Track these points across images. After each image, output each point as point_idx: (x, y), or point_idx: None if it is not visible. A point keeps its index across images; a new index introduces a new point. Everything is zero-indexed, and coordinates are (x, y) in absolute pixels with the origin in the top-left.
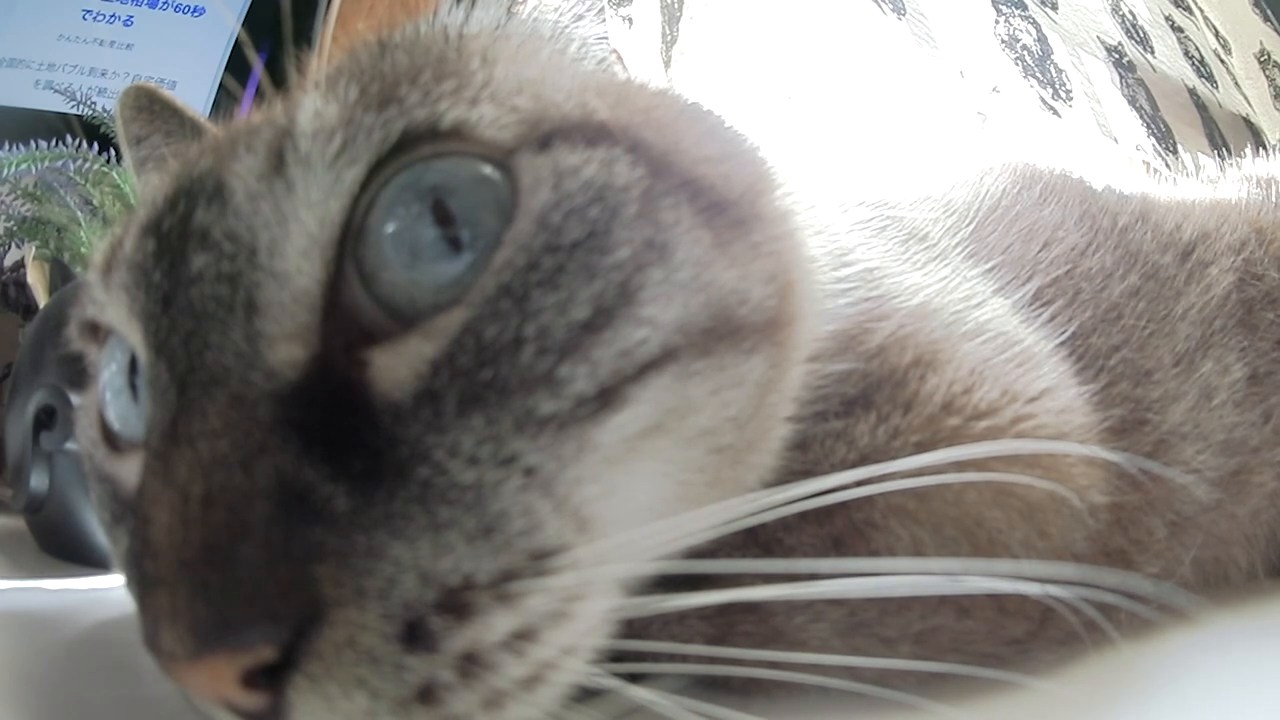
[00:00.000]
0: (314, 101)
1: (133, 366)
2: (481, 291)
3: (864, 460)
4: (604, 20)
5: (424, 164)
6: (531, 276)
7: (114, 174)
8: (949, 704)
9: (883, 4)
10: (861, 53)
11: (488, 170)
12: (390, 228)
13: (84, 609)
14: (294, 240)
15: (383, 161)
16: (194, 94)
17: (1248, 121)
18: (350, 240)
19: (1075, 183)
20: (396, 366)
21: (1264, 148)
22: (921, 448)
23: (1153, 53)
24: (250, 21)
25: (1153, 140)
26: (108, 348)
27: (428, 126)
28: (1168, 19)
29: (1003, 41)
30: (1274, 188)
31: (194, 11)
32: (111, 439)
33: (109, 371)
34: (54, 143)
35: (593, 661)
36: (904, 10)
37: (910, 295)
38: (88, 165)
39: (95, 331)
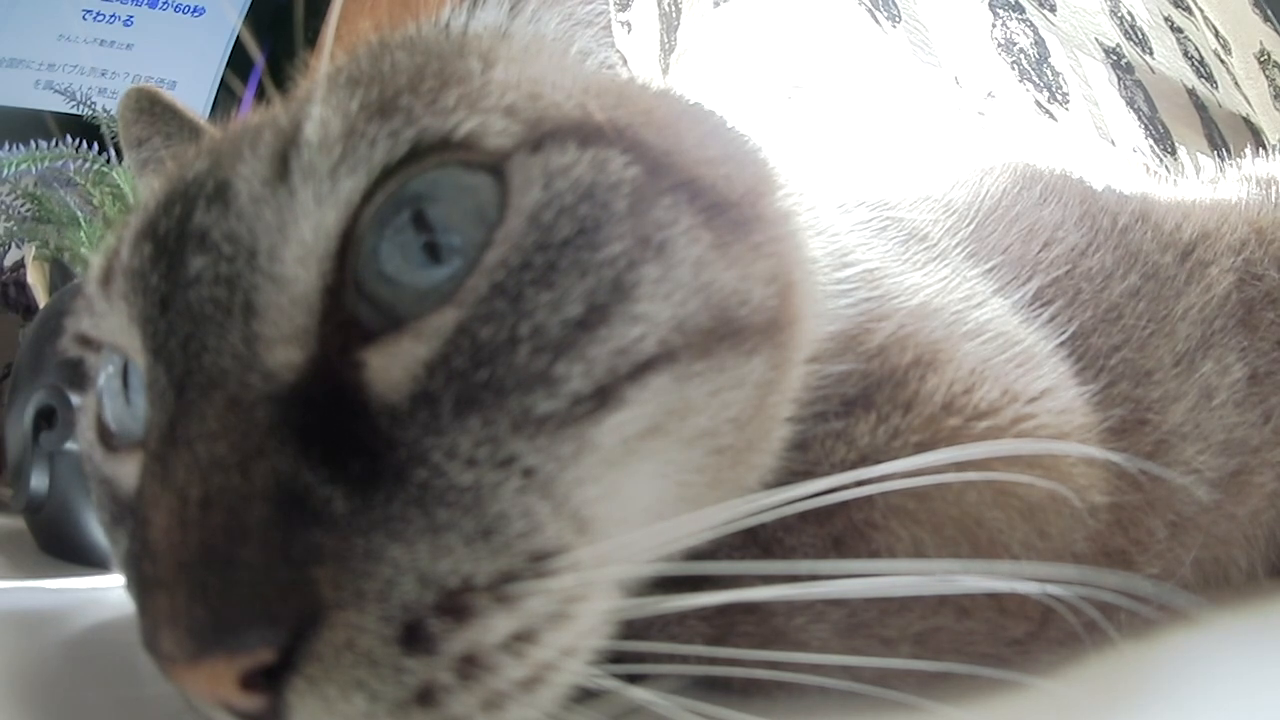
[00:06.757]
0: (319, 109)
1: (126, 369)
2: (474, 291)
3: (864, 460)
4: (608, 22)
5: (425, 172)
6: (524, 275)
7: (114, 174)
8: (949, 704)
9: (877, 13)
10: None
11: (481, 172)
12: (388, 232)
13: (84, 609)
14: (293, 247)
15: (390, 171)
16: (194, 94)
17: (1248, 121)
18: (351, 246)
19: (1075, 183)
20: (391, 368)
21: (1264, 148)
22: (922, 448)
23: (1151, 54)
24: (250, 21)
25: (1150, 142)
26: (105, 350)
27: (440, 139)
28: (1167, 19)
29: (999, 45)
30: (1274, 188)
31: (194, 11)
32: (108, 439)
33: (106, 374)
34: (54, 143)
35: (592, 662)
36: (899, 17)
37: (910, 295)
38: (88, 165)
39: (91, 341)
